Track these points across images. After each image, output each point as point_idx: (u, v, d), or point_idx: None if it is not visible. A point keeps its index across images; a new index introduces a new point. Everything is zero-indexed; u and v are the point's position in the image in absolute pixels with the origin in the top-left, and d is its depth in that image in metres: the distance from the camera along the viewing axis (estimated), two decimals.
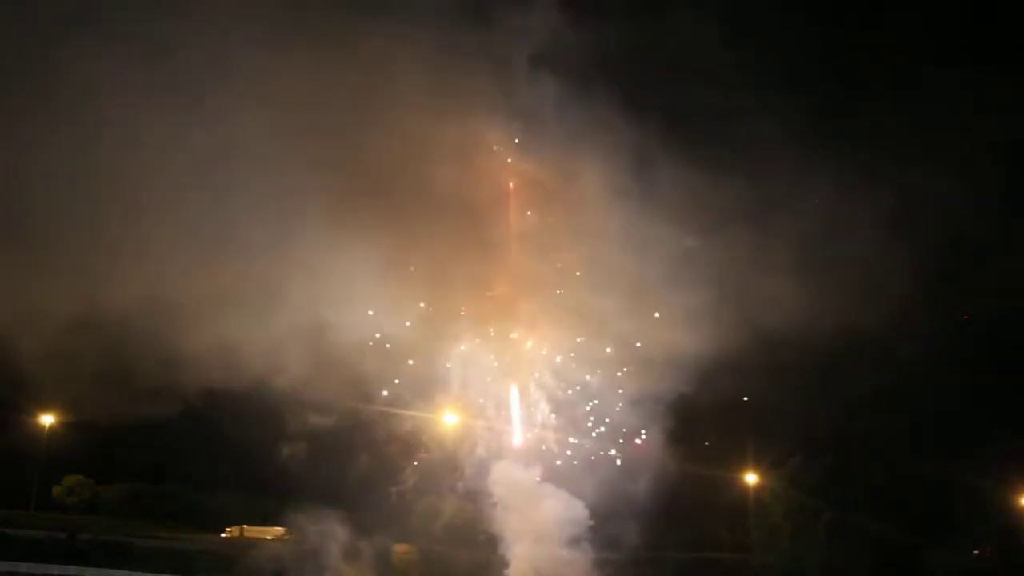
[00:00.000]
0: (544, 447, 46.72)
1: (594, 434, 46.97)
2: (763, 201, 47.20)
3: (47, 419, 52.84)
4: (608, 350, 46.81)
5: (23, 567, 45.61)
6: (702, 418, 51.19)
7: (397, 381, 44.35)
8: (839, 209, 48.76)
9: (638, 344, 46.43)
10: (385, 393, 44.69)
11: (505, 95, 43.28)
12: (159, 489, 55.07)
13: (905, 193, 48.80)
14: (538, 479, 45.78)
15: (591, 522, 46.03)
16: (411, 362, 44.32)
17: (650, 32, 49.13)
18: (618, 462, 46.78)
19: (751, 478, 54.46)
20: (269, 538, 52.79)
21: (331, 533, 46.23)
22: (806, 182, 47.38)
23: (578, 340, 46.69)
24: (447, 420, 47.85)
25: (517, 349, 46.12)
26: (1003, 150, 52.68)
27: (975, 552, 56.36)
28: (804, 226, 47.42)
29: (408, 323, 42.87)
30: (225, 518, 53.11)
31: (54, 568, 46.44)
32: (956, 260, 52.09)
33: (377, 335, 42.62)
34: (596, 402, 47.08)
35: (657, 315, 46.16)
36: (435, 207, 41.89)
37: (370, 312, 41.74)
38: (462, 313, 43.95)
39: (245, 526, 53.20)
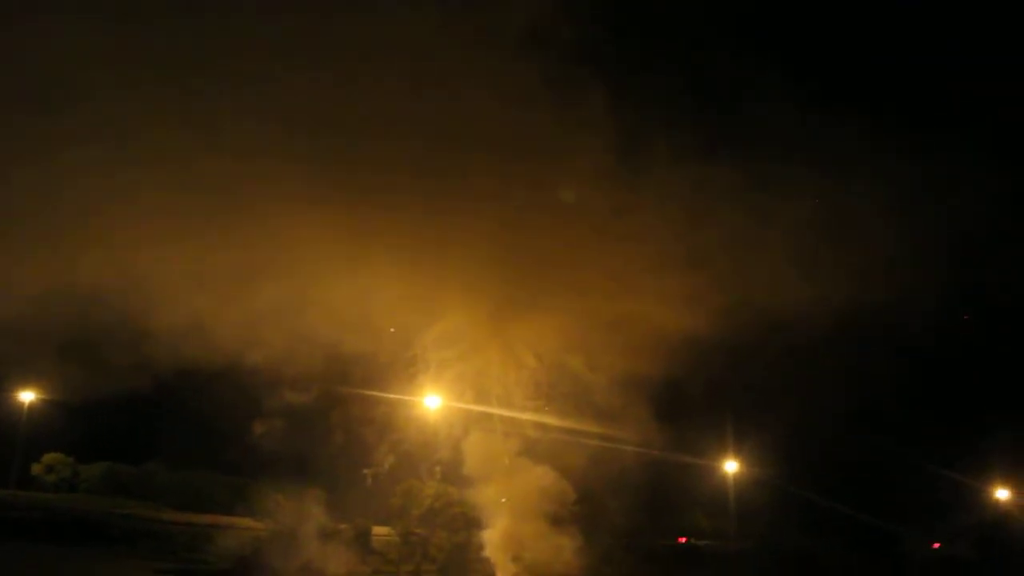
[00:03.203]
0: (523, 428, 46.84)
1: (575, 416, 47.12)
2: (758, 182, 47.22)
3: (27, 396, 52.45)
4: (592, 331, 46.89)
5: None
6: (687, 402, 51.20)
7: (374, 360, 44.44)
8: (836, 190, 48.80)
9: (624, 326, 46.49)
10: (361, 373, 44.89)
11: (489, 75, 43.12)
12: (139, 469, 54.63)
13: (909, 174, 48.80)
14: (516, 453, 45.94)
15: (574, 505, 46.29)
16: (390, 333, 44.44)
17: (642, 12, 48.94)
18: (599, 445, 46.96)
19: (731, 465, 54.32)
20: None
21: (308, 515, 46.43)
22: (804, 162, 47.40)
23: (561, 321, 46.74)
24: (428, 402, 47.99)
25: (498, 329, 46.07)
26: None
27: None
28: (800, 207, 47.43)
29: (385, 301, 42.63)
30: (204, 498, 52.87)
31: (31, 547, 46.29)
32: (959, 245, 51.93)
33: (354, 313, 42.48)
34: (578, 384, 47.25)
35: (644, 296, 46.18)
36: (414, 184, 41.74)
37: (346, 289, 41.47)
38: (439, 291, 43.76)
39: None
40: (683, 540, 56.77)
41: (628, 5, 49.63)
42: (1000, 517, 55.05)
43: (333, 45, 40.56)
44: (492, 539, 46.81)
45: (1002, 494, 55.25)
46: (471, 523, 48.95)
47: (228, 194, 39.46)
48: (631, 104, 47.40)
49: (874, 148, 49.75)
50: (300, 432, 46.41)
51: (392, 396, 46.58)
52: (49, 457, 52.84)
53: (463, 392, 46.53)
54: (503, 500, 46.00)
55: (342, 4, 41.52)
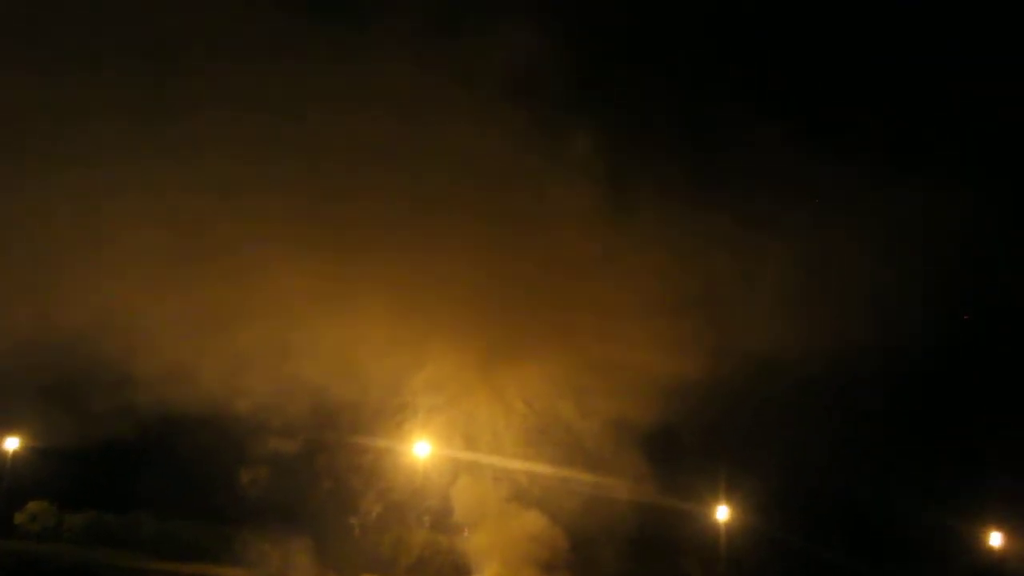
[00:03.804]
0: (514, 475, 46.47)
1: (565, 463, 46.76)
2: (748, 223, 47.30)
3: (11, 443, 51.68)
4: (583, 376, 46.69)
5: None
6: (679, 447, 50.75)
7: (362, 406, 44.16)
8: (826, 231, 48.85)
9: (616, 369, 46.29)
10: (349, 420, 44.59)
11: (476, 118, 43.30)
12: (125, 518, 53.72)
13: (899, 213, 48.92)
14: (506, 500, 45.48)
15: (567, 552, 45.76)
16: (378, 380, 44.19)
17: (629, 53, 49.35)
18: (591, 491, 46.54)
19: (723, 511, 53.73)
20: None
21: (296, 564, 45.81)
22: (793, 203, 47.54)
23: (551, 365, 46.55)
24: (417, 450, 47.61)
25: (487, 375, 45.86)
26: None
27: None
28: (790, 248, 47.49)
29: (372, 346, 42.46)
30: (191, 547, 52.09)
31: None
32: (947, 283, 51.82)
33: (341, 359, 42.28)
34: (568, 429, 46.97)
35: (636, 339, 46.03)
36: (401, 228, 41.75)
37: (333, 335, 41.32)
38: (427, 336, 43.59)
39: None
40: None
41: (614, 47, 50.10)
42: (996, 562, 54.50)
43: (319, 86, 40.83)
44: None
45: (995, 538, 54.67)
46: (461, 572, 48.30)
47: (214, 237, 39.39)
48: (619, 146, 47.71)
49: (864, 187, 50.04)
50: (287, 480, 46.03)
51: (381, 444, 46.26)
52: (33, 505, 52.01)
53: (452, 439, 46.21)
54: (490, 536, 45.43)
55: (329, 45, 41.82)
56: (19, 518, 51.65)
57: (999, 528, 54.76)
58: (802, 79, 55.17)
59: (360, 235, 41.60)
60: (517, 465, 46.31)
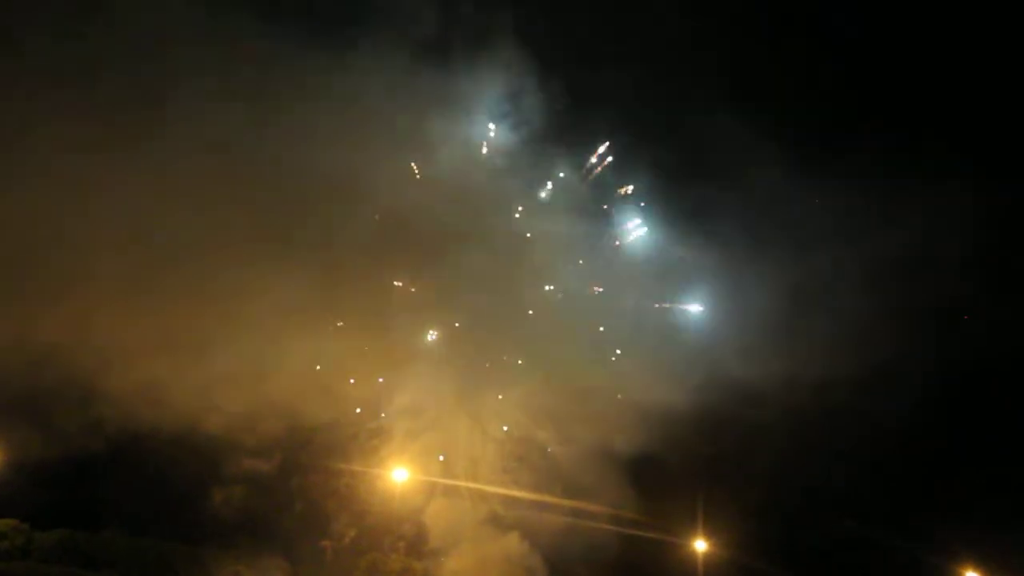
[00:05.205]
0: (491, 501, 46.22)
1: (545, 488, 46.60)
2: (732, 255, 47.49)
3: None
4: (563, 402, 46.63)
5: None
6: (658, 477, 50.59)
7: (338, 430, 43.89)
8: (812, 263, 49.04)
9: (596, 398, 46.25)
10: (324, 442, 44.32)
11: (457, 143, 43.48)
12: (97, 537, 52.94)
13: (886, 246, 49.09)
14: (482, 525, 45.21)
15: None
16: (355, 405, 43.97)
17: (615, 82, 49.76)
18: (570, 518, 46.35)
19: (701, 544, 53.42)
20: None
21: None
22: (778, 236, 47.71)
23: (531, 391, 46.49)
24: (395, 475, 47.33)
25: (467, 398, 45.73)
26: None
27: None
28: (774, 281, 47.62)
29: (350, 370, 42.30)
30: (163, 567, 51.38)
31: None
32: (940, 317, 51.91)
33: (318, 382, 42.12)
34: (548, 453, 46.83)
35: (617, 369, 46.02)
36: (381, 246, 41.79)
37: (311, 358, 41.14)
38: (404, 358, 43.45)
39: None
40: None
41: (600, 74, 50.48)
42: None
43: (298, 110, 41.01)
44: None
45: None
46: None
47: (190, 256, 39.39)
48: (603, 177, 47.95)
49: (850, 221, 50.39)
50: (261, 500, 45.70)
51: (356, 467, 45.96)
52: (2, 523, 51.24)
53: (429, 464, 45.97)
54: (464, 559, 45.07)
55: (310, 70, 42.00)
56: None
57: (977, 567, 54.72)
58: (794, 110, 55.77)
59: (339, 258, 41.65)
60: (495, 491, 46.11)
